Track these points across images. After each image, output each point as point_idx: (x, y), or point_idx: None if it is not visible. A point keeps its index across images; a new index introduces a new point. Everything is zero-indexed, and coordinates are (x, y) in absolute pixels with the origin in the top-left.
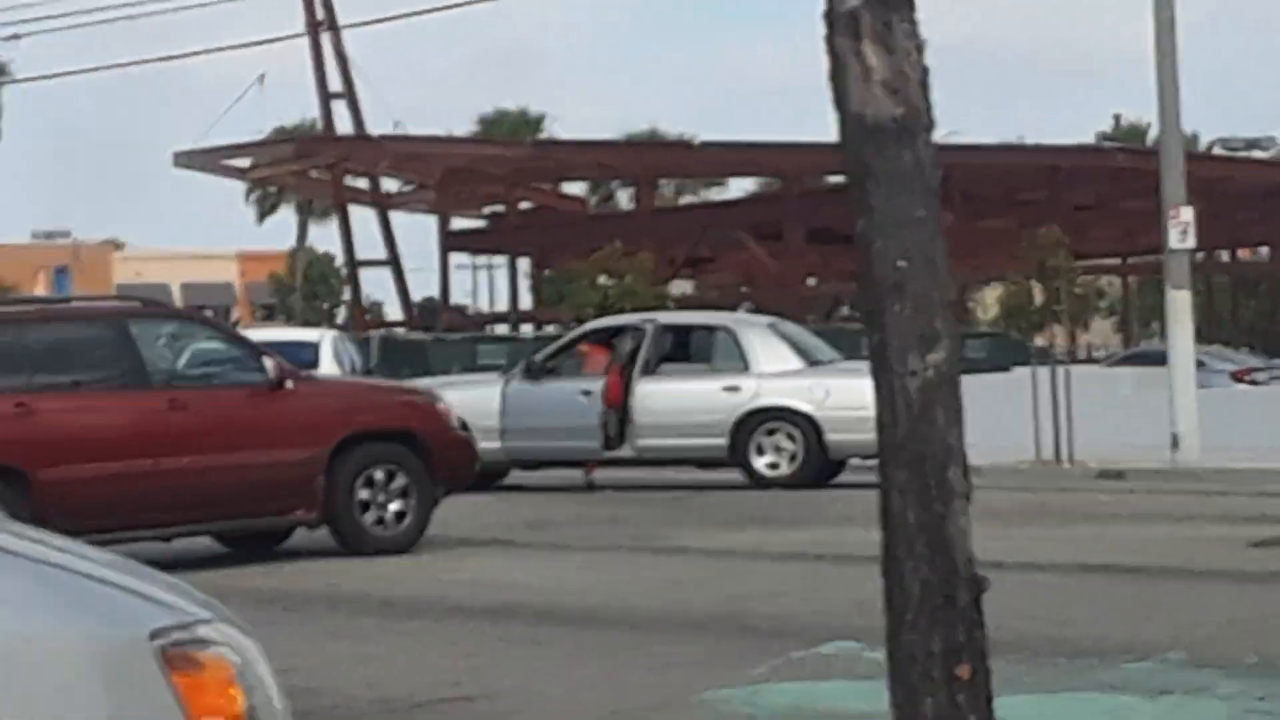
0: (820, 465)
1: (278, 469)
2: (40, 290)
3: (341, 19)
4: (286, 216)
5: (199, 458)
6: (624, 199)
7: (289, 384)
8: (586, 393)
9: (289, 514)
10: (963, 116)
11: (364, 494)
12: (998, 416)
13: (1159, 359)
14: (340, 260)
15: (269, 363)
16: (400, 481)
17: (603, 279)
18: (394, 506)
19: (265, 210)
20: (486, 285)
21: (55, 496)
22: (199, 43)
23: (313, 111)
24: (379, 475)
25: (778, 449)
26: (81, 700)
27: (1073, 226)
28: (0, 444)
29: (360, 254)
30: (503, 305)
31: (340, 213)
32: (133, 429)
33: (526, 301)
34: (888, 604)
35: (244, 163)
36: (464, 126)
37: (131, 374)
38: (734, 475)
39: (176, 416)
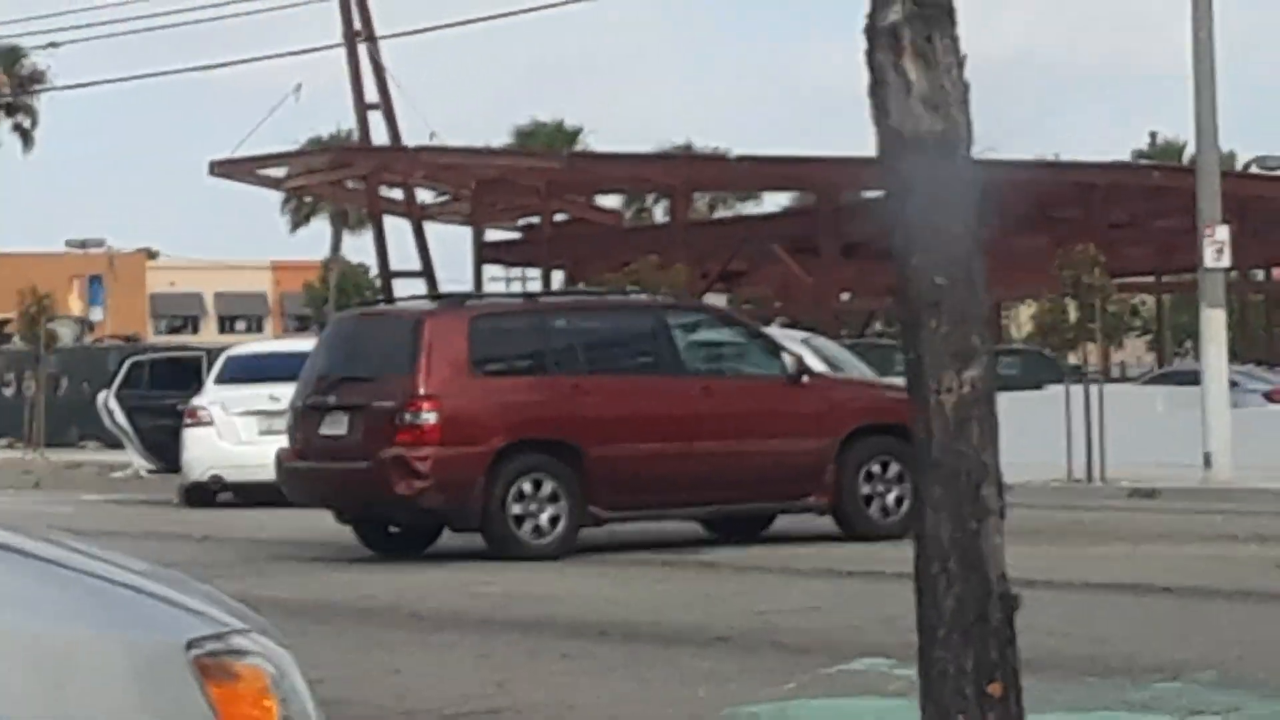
0: None
1: (796, 456)
2: (74, 299)
3: (379, 30)
4: (321, 227)
5: (728, 442)
6: (659, 212)
7: (804, 379)
8: None
9: (802, 499)
10: (997, 133)
11: (865, 487)
12: (1030, 434)
13: (1192, 378)
14: (374, 271)
15: (787, 358)
16: (896, 470)
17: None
18: (892, 495)
19: (300, 220)
20: None
21: (604, 471)
22: (236, 52)
23: (349, 122)
24: (875, 468)
25: None
26: (117, 708)
27: (1107, 244)
28: (559, 422)
29: (394, 265)
30: None
31: (375, 223)
32: (670, 412)
33: None
34: (920, 621)
35: (279, 172)
36: (500, 138)
37: (669, 362)
38: None
39: (708, 403)
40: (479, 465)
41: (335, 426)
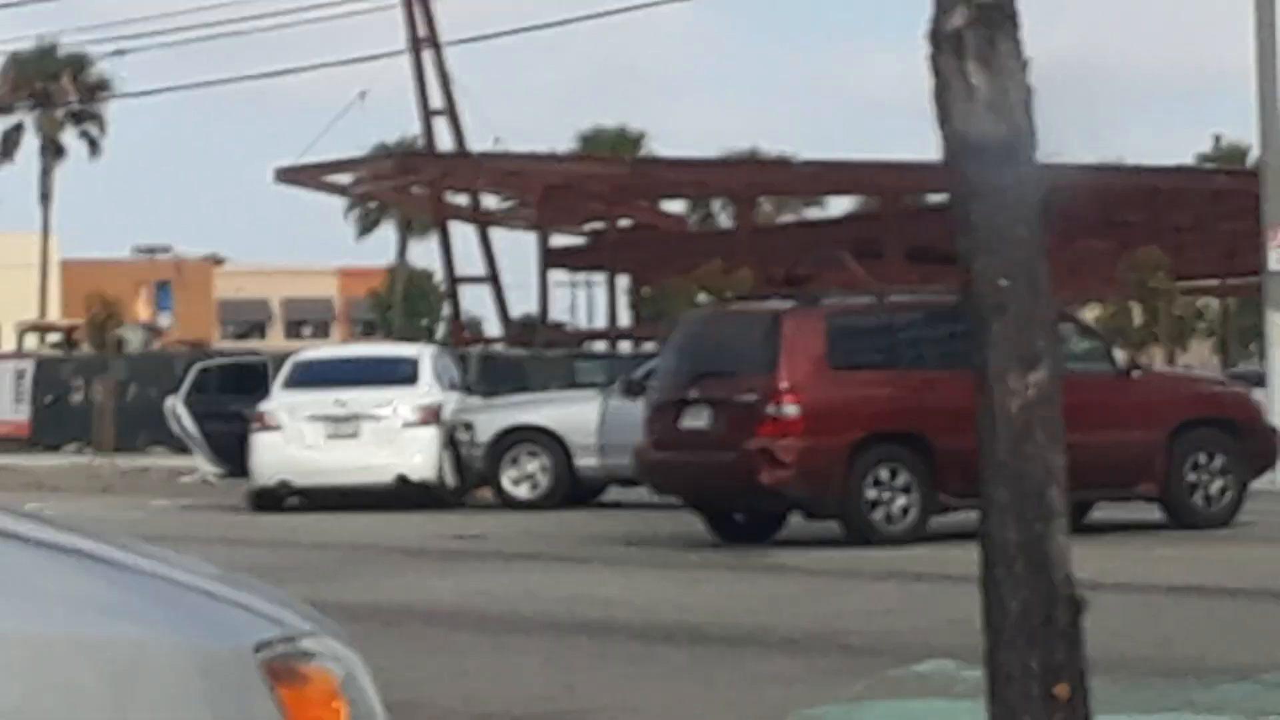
0: None
1: (1128, 448)
2: (141, 306)
3: (444, 36)
4: (386, 233)
5: (1065, 433)
6: (723, 217)
7: (1134, 374)
8: None
9: (1133, 488)
10: (1062, 136)
11: (1191, 476)
12: None
13: (1258, 380)
14: (440, 277)
15: (1118, 354)
16: (1220, 462)
17: (702, 296)
18: (1216, 484)
19: (365, 226)
20: (585, 302)
21: (949, 461)
22: (302, 59)
23: (414, 128)
24: (1202, 458)
25: None
26: (185, 711)
27: (1172, 248)
28: (910, 414)
29: (460, 270)
30: (601, 322)
31: (440, 229)
32: None
33: (625, 319)
34: (986, 622)
35: (345, 179)
36: (564, 144)
37: None
38: None
39: None
40: (838, 455)
41: (696, 420)
